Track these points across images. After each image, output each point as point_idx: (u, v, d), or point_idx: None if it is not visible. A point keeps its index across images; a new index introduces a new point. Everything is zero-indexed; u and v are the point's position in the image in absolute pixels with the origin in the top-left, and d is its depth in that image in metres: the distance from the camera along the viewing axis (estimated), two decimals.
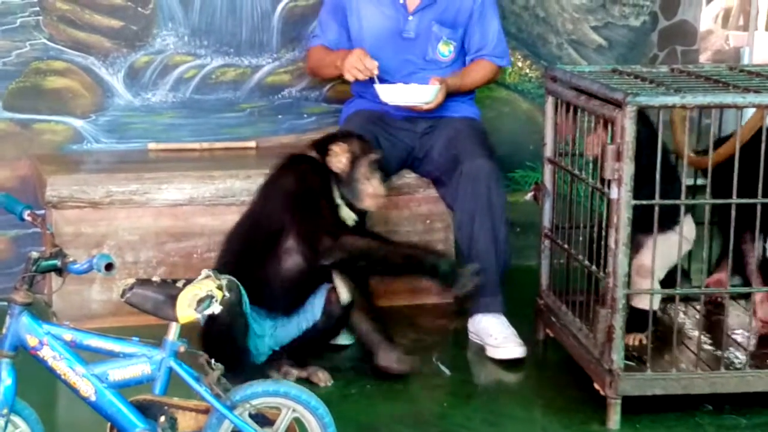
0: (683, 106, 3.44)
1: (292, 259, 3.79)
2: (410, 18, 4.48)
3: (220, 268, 3.58)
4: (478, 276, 3.76)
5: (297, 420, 2.88)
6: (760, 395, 3.59)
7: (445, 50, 4.51)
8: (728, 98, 3.45)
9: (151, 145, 4.92)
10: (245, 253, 3.80)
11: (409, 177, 4.58)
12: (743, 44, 7.46)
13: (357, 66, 4.25)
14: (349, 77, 4.32)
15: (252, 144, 5.01)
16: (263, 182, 3.92)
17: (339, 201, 3.85)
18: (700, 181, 4.05)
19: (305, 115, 5.09)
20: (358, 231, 3.86)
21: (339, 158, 3.85)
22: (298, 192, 3.78)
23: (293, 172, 3.84)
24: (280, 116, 5.07)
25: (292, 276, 3.80)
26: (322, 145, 3.91)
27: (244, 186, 4.45)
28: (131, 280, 2.81)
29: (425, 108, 4.32)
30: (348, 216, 3.86)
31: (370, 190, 3.87)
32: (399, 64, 4.38)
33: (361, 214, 3.94)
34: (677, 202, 3.48)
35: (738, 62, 7.03)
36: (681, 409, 3.61)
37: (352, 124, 4.37)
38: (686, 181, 3.46)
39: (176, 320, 2.75)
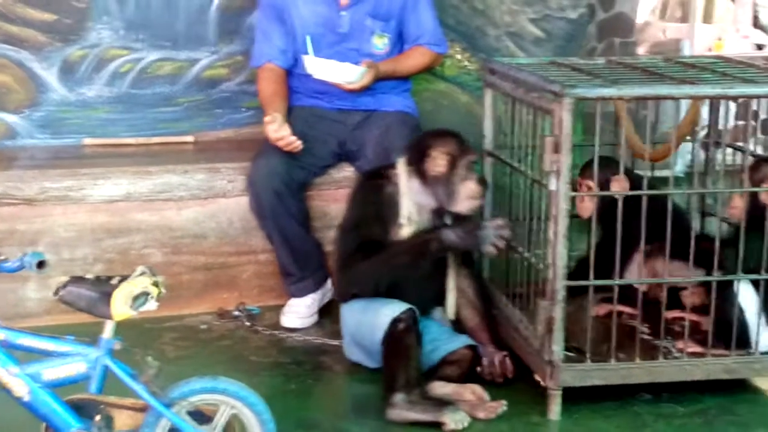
0: (620, 98, 3.46)
1: None
2: (343, 13, 4.47)
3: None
4: (500, 222, 3.65)
5: (236, 416, 2.86)
6: (697, 383, 3.63)
7: (380, 43, 4.51)
8: (664, 89, 3.47)
9: (87, 141, 4.87)
10: None
11: (348, 170, 4.56)
12: (681, 36, 7.55)
13: (275, 141, 4.21)
14: None
15: (190, 138, 4.97)
16: (348, 198, 3.96)
17: (403, 220, 3.73)
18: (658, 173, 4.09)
19: (243, 109, 5.05)
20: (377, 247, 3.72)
21: (437, 162, 3.73)
22: (345, 218, 3.85)
23: (353, 195, 3.86)
24: (218, 110, 5.04)
25: (412, 280, 3.75)
26: (419, 150, 3.79)
27: (181, 181, 4.41)
28: (65, 278, 2.77)
29: (349, 88, 4.31)
30: (408, 234, 3.74)
31: (467, 191, 3.75)
32: (335, 59, 4.35)
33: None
34: (613, 193, 3.50)
35: (677, 54, 7.09)
36: (620, 398, 3.63)
37: (290, 119, 4.34)
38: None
39: (111, 318, 2.72)
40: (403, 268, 3.69)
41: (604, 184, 3.70)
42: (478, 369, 3.78)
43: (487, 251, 3.66)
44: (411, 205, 3.76)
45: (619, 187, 3.68)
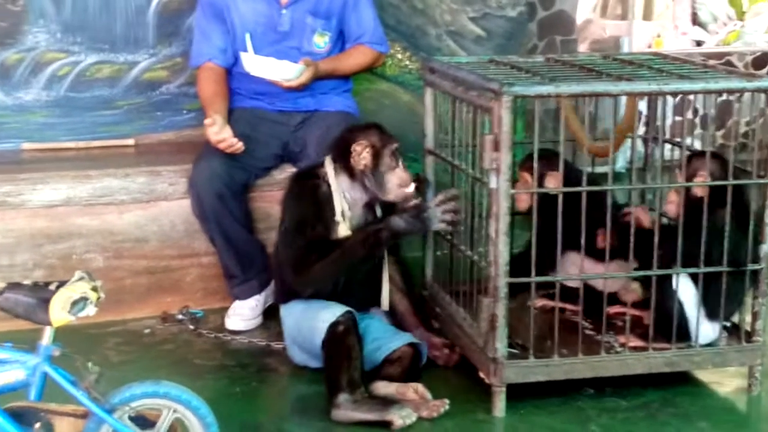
0: (558, 95, 3.48)
1: None
2: (284, 11, 4.46)
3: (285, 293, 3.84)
4: (441, 198, 3.70)
5: (179, 420, 2.85)
6: (640, 377, 3.67)
7: (321, 41, 4.50)
8: (601, 87, 3.50)
9: (25, 145, 4.81)
10: None
11: (290, 171, 4.54)
12: (621, 33, 7.61)
13: (216, 144, 4.19)
14: None
15: (130, 142, 4.93)
16: (281, 201, 3.95)
17: (339, 217, 3.76)
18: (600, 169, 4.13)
19: (185, 112, 5.02)
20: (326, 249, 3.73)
21: (362, 155, 3.77)
22: (285, 221, 3.82)
23: (288, 197, 3.85)
24: (158, 113, 5.00)
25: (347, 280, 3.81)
26: (342, 146, 3.82)
27: (122, 184, 4.38)
28: (2, 285, 2.74)
29: (287, 85, 4.31)
30: (345, 233, 3.75)
31: (397, 180, 3.79)
32: (275, 57, 4.33)
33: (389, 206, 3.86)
34: (552, 190, 3.52)
35: (617, 51, 7.15)
36: (564, 393, 3.66)
37: (230, 120, 4.32)
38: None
39: (50, 324, 2.69)
40: (359, 263, 3.73)
41: (541, 177, 3.73)
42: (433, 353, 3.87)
43: (440, 229, 3.73)
44: (343, 201, 3.79)
45: (554, 182, 3.71)
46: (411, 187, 3.82)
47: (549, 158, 3.67)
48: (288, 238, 3.79)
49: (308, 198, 3.77)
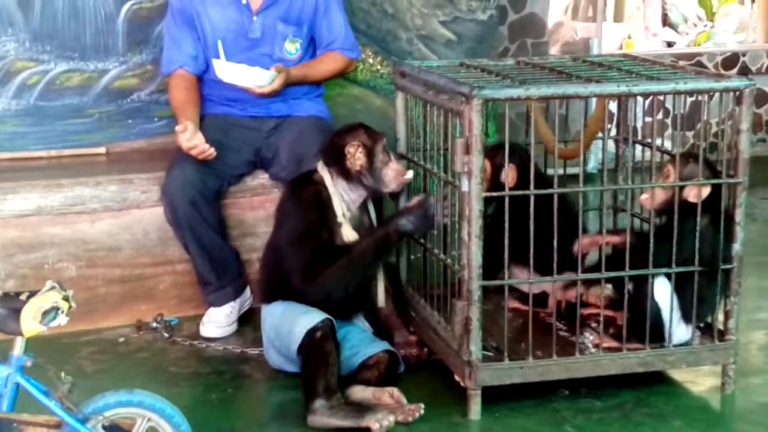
0: (528, 98, 3.49)
1: None
2: (254, 18, 4.46)
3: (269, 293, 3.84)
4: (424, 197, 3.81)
5: (153, 429, 2.84)
6: (614, 378, 3.68)
7: (292, 48, 4.50)
8: (571, 89, 3.52)
9: None
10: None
11: (263, 177, 4.55)
12: (592, 35, 7.64)
13: (188, 150, 4.18)
14: None
15: (102, 150, 4.91)
16: (278, 208, 3.94)
17: (341, 219, 3.80)
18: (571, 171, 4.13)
19: (156, 119, 5.01)
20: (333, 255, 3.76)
21: (356, 157, 3.82)
22: (289, 230, 3.80)
23: (288, 205, 3.85)
24: (130, 121, 4.98)
25: None
26: (333, 150, 3.86)
27: (94, 193, 4.37)
28: None
29: (259, 92, 4.30)
30: (349, 234, 3.80)
31: (392, 172, 3.86)
32: (247, 64, 4.32)
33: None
34: (526, 192, 3.53)
35: (587, 53, 7.18)
36: (539, 395, 3.67)
37: (202, 127, 4.30)
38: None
39: (21, 334, 2.67)
40: (370, 265, 3.82)
41: (499, 168, 3.74)
42: (401, 351, 3.89)
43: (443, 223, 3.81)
44: (342, 204, 3.83)
45: (512, 174, 3.75)
46: (409, 174, 3.90)
47: (512, 151, 3.62)
48: (293, 247, 3.78)
49: (310, 204, 3.79)
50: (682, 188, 3.60)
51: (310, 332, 3.62)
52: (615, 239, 3.74)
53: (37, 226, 4.33)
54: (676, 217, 3.54)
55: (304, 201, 3.82)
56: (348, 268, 3.74)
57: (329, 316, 3.67)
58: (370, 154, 3.83)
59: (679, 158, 3.69)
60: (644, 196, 3.69)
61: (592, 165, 6.47)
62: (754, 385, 3.83)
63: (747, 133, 3.55)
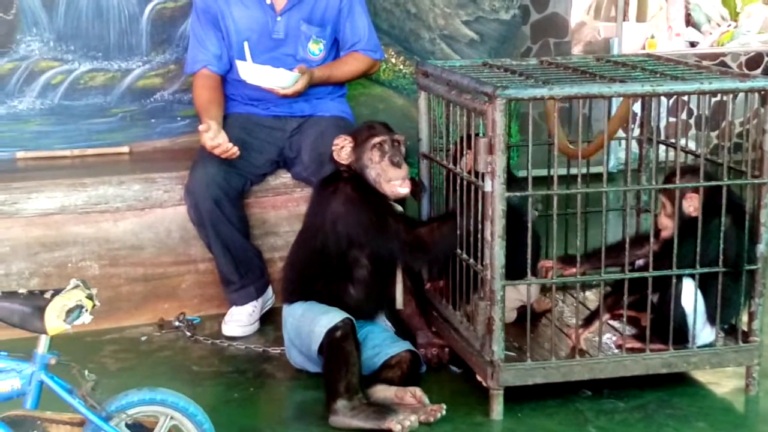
0: (551, 98, 3.48)
1: (360, 269, 3.82)
2: (278, 19, 4.46)
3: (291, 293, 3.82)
4: None
5: (176, 427, 2.84)
6: (637, 379, 3.67)
7: (315, 49, 4.50)
8: (594, 88, 3.50)
9: (20, 154, 4.81)
10: (319, 275, 3.83)
11: (285, 177, 4.56)
12: (614, 35, 7.62)
13: (212, 149, 4.18)
14: None
15: (125, 149, 4.93)
16: (313, 209, 3.88)
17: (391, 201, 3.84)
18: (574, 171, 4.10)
19: (179, 119, 5.02)
20: (411, 224, 3.79)
21: (342, 151, 3.83)
22: (351, 214, 3.74)
23: (336, 195, 3.77)
24: (153, 120, 5.00)
25: (364, 284, 3.83)
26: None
27: (117, 192, 4.38)
28: None
29: (282, 93, 4.30)
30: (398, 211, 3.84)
31: (374, 173, 3.83)
32: (271, 64, 4.33)
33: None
34: (555, 192, 3.53)
35: (609, 53, 7.16)
36: (561, 395, 3.66)
37: (225, 126, 4.31)
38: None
39: (45, 332, 2.68)
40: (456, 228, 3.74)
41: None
42: (421, 351, 3.88)
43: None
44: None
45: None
46: (399, 182, 3.82)
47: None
48: (383, 235, 3.74)
49: (360, 194, 3.77)
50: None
51: (330, 332, 3.62)
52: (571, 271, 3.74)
53: (61, 225, 4.34)
54: (700, 218, 3.52)
55: (354, 194, 3.77)
56: (446, 228, 3.74)
57: (349, 316, 3.67)
58: (357, 149, 3.83)
59: (679, 172, 3.68)
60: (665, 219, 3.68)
61: (613, 164, 6.45)
62: None
63: None
